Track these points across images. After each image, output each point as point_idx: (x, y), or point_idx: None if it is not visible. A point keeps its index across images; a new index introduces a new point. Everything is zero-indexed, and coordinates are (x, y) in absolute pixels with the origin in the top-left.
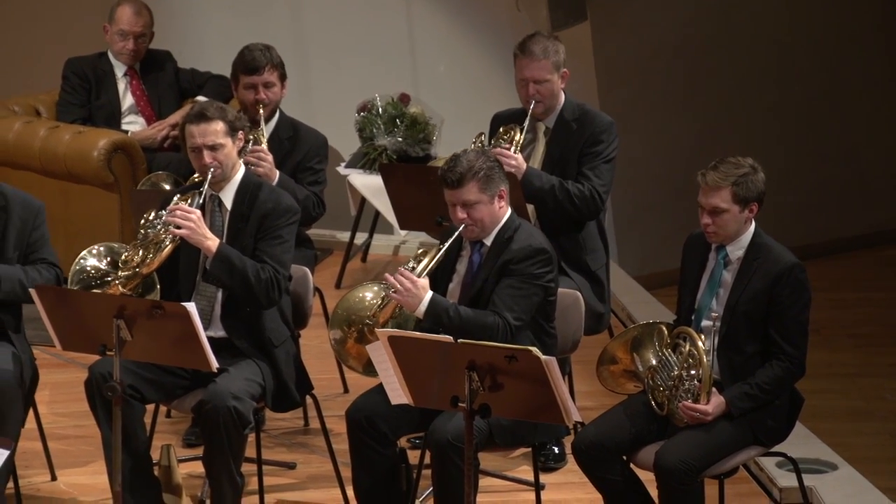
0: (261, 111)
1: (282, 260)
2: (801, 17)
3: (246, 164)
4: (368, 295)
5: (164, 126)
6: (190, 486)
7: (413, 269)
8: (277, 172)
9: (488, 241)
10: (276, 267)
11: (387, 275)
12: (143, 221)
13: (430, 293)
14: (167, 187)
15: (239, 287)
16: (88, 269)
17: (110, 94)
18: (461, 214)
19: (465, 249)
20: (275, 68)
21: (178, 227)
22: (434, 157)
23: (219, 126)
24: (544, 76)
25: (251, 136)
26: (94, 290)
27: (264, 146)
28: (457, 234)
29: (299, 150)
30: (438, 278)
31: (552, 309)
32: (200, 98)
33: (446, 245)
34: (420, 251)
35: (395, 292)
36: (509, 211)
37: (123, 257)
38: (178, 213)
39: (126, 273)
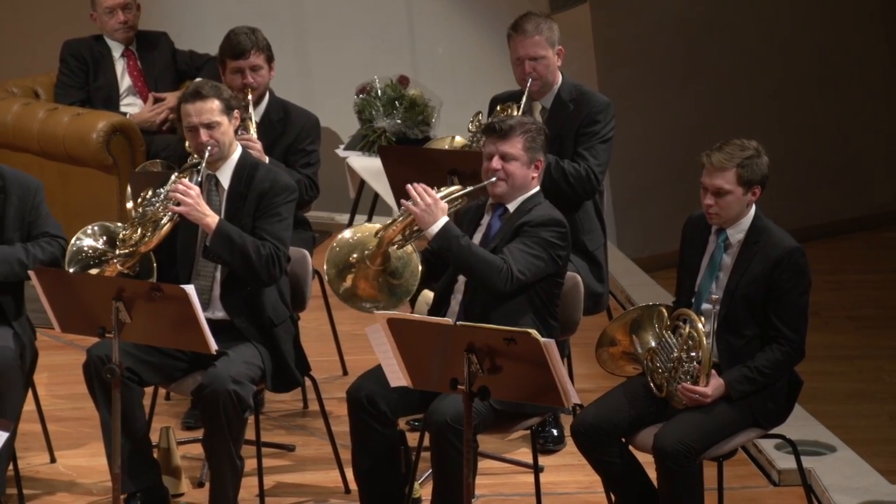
0: (249, 95)
1: (281, 237)
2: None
3: None
4: (357, 235)
5: (163, 108)
6: (189, 469)
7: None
8: (267, 159)
9: (511, 207)
10: (276, 244)
11: (411, 186)
12: (139, 200)
13: (446, 217)
14: None
15: (239, 264)
16: (85, 248)
17: (108, 75)
18: (496, 164)
19: (486, 216)
20: (261, 51)
21: (178, 204)
22: (432, 139)
23: (214, 104)
24: (539, 52)
25: (245, 117)
26: (93, 270)
27: (254, 130)
28: (484, 183)
29: (290, 131)
30: None
31: (558, 292)
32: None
33: (471, 188)
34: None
35: (413, 204)
36: (538, 187)
37: (121, 236)
38: (180, 188)
39: (124, 251)
